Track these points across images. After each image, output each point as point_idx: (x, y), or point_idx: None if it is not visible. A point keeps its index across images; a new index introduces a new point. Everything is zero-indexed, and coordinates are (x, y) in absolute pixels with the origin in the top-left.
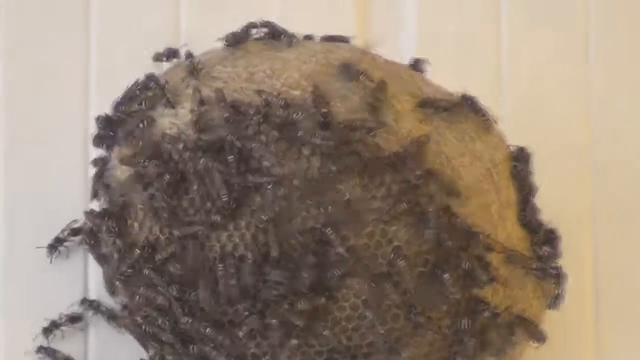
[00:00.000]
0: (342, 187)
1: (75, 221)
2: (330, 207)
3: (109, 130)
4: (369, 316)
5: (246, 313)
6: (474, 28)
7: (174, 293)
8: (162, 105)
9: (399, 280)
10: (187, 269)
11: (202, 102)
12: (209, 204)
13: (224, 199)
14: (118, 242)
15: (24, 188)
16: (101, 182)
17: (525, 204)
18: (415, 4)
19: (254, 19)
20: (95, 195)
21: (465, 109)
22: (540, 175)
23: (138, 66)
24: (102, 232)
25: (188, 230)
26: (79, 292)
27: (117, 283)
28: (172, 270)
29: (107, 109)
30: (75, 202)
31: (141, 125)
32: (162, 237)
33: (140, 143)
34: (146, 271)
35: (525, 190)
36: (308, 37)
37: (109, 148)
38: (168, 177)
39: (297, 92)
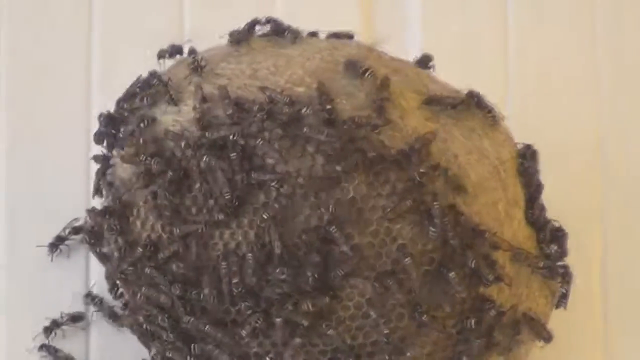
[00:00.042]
0: (346, 185)
1: (76, 219)
2: (334, 205)
3: (111, 128)
4: (373, 315)
5: (249, 312)
6: (480, 25)
7: (177, 292)
8: (165, 102)
9: (404, 278)
10: (189, 268)
11: (205, 99)
12: (211, 202)
13: (226, 197)
14: (120, 240)
15: (25, 187)
16: (104, 180)
17: (533, 202)
18: (420, 1)
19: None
20: (96, 192)
21: (471, 106)
22: (548, 172)
23: (141, 65)
24: (103, 230)
25: (189, 228)
26: (80, 291)
27: (118, 281)
28: (174, 269)
29: (109, 109)
30: (76, 201)
31: (142, 124)
32: (164, 236)
33: (142, 140)
34: (147, 270)
35: (532, 188)
36: (313, 34)
37: (110, 146)
38: (171, 174)
39: (301, 89)
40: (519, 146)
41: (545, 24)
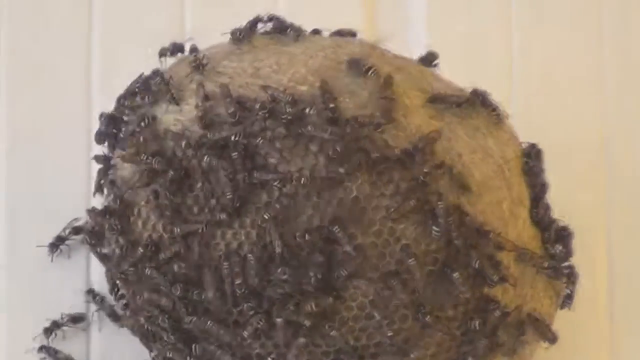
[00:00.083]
0: (349, 185)
1: (76, 219)
2: (337, 205)
3: (112, 128)
4: (377, 316)
5: (251, 312)
6: (485, 23)
7: (178, 292)
8: (167, 101)
9: (407, 279)
10: (191, 268)
11: (206, 98)
12: (213, 202)
13: (227, 197)
14: (120, 239)
15: (25, 187)
16: (106, 179)
17: (537, 201)
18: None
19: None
20: (98, 191)
21: (476, 104)
22: (552, 172)
23: (142, 64)
24: (104, 230)
25: (190, 228)
26: (81, 291)
27: (119, 282)
28: (176, 269)
29: (110, 109)
30: (76, 201)
31: (143, 123)
32: (165, 236)
33: (143, 139)
34: (148, 270)
35: (537, 187)
36: (315, 32)
37: (111, 145)
38: (172, 173)
39: (304, 88)
40: (524, 145)
41: (550, 23)
